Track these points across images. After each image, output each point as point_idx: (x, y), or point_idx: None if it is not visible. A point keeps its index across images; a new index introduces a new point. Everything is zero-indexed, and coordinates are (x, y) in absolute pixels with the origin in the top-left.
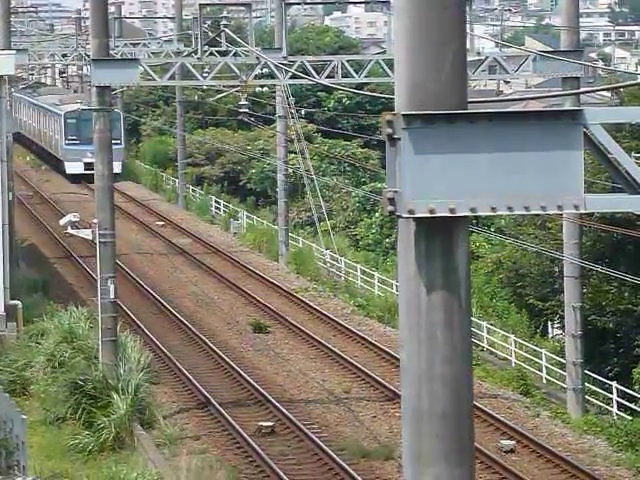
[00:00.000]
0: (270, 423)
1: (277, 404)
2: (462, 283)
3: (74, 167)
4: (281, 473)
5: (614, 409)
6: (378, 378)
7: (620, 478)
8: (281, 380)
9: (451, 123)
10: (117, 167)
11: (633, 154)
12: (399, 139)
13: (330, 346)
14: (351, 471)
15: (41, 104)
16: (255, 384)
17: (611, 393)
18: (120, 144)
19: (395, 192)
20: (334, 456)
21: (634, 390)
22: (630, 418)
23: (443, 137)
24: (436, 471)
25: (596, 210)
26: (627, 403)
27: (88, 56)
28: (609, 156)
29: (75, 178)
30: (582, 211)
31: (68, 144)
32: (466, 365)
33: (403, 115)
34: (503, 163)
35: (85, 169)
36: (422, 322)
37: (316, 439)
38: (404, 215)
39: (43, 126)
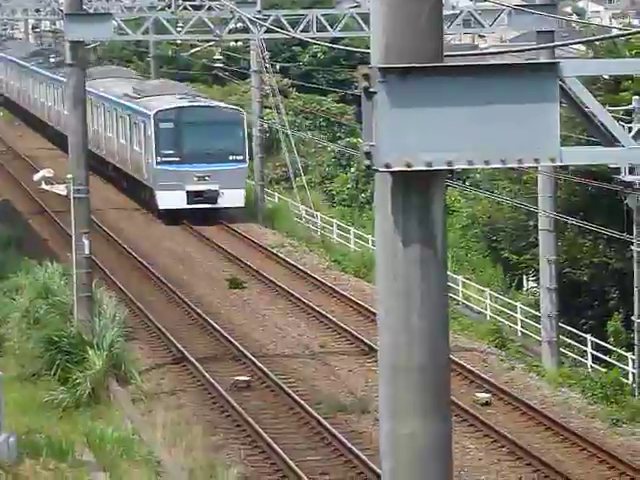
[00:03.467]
0: (246, 378)
1: (253, 359)
2: (438, 237)
3: (172, 199)
4: (257, 427)
5: (589, 361)
6: (354, 332)
7: (595, 430)
8: (257, 335)
9: (427, 76)
10: (239, 198)
11: (608, 107)
12: (375, 93)
13: (306, 301)
14: (327, 425)
15: (107, 96)
16: (231, 339)
17: (586, 346)
18: (243, 161)
19: (371, 146)
20: (310, 410)
21: (608, 342)
22: (604, 370)
23: (419, 90)
24: (413, 424)
25: (572, 163)
26: (601, 355)
27: (61, 11)
28: (585, 109)
29: (172, 215)
30: (558, 164)
31: (162, 162)
32: (442, 318)
33: (379, 68)
34: (479, 116)
35: (190, 201)
36: (399, 276)
37: (292, 393)
38: (380, 169)
39: (115, 132)
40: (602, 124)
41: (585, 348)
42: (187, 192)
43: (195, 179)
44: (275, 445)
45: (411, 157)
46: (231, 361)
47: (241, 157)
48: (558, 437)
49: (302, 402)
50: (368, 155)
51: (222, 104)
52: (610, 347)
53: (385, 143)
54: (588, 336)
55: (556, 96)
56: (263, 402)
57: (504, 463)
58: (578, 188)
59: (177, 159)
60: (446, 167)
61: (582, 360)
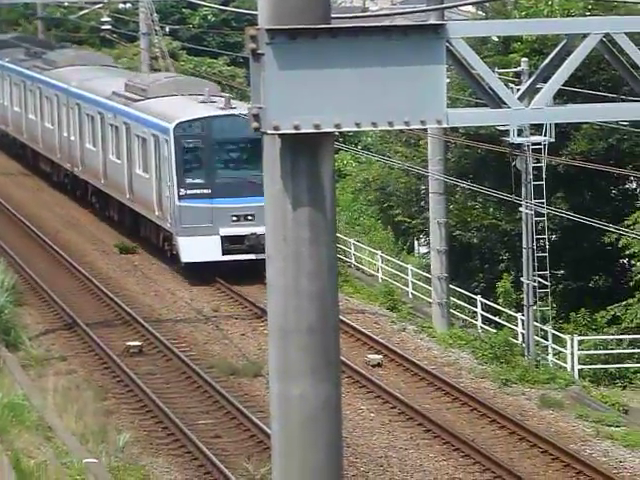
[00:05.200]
0: (138, 343)
1: (145, 324)
2: (327, 199)
3: (200, 248)
4: (149, 392)
5: (479, 322)
6: (247, 296)
7: (485, 390)
8: (149, 300)
9: (315, 38)
10: None
11: (498, 69)
12: (263, 54)
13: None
14: (220, 388)
15: (85, 94)
16: (122, 304)
17: (476, 307)
18: None
19: (260, 108)
20: (202, 374)
21: (498, 304)
22: (494, 331)
23: (307, 52)
24: (302, 385)
25: (458, 124)
26: (491, 316)
27: None
28: (472, 71)
29: (200, 270)
30: (445, 126)
31: (187, 196)
32: (332, 280)
33: (266, 30)
34: (367, 78)
35: (227, 251)
36: (288, 238)
37: (184, 358)
38: (269, 131)
39: (100, 145)
40: (489, 86)
41: (475, 309)
42: (222, 238)
43: (233, 219)
44: (167, 409)
45: (299, 119)
46: (122, 326)
47: None
48: (449, 397)
49: (194, 366)
50: (256, 117)
51: None
52: (500, 308)
53: (273, 105)
54: (478, 297)
55: (442, 58)
56: (155, 367)
57: (395, 424)
58: (468, 150)
59: (207, 191)
60: (334, 129)
61: (472, 321)
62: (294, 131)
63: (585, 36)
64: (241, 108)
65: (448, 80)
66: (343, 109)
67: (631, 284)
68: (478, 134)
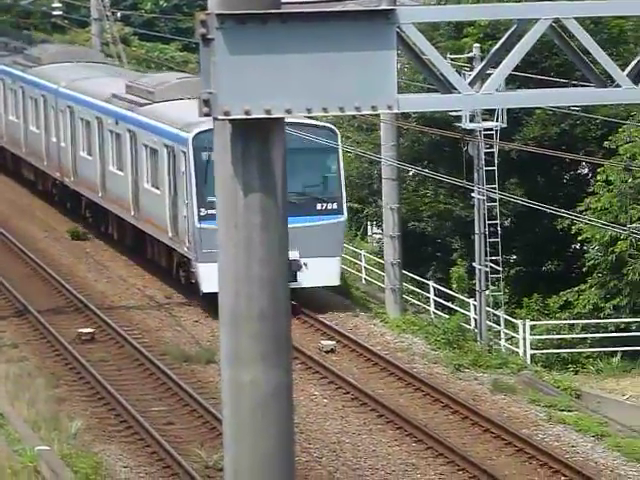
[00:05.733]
0: (90, 330)
1: (97, 311)
2: (279, 185)
3: None
4: (101, 379)
5: (431, 308)
6: None
7: (438, 375)
8: (101, 287)
9: (265, 23)
10: (332, 272)
11: (450, 54)
12: (213, 39)
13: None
14: (172, 375)
15: (78, 96)
16: (74, 291)
17: (429, 293)
18: (338, 212)
19: (210, 93)
20: (155, 361)
21: (452, 290)
22: (447, 317)
23: (257, 37)
24: (253, 371)
25: (409, 110)
26: (444, 302)
27: None
28: (423, 56)
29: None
30: (395, 111)
31: (208, 217)
32: (283, 266)
33: (216, 15)
34: (317, 64)
35: None
36: (239, 224)
37: (137, 345)
38: (219, 117)
39: (96, 153)
40: (440, 72)
41: (428, 295)
42: None
43: None
44: (119, 396)
45: (250, 105)
46: (74, 313)
47: (335, 205)
48: (402, 382)
49: (147, 353)
50: (207, 103)
51: (301, 117)
52: (453, 294)
53: (224, 90)
54: (431, 282)
55: (393, 43)
56: (107, 354)
57: (348, 409)
58: (421, 136)
59: None
60: (285, 115)
61: (426, 307)
62: (245, 116)
63: (535, 21)
64: None
65: (407, 65)
66: (294, 94)
67: (584, 269)
68: (432, 119)
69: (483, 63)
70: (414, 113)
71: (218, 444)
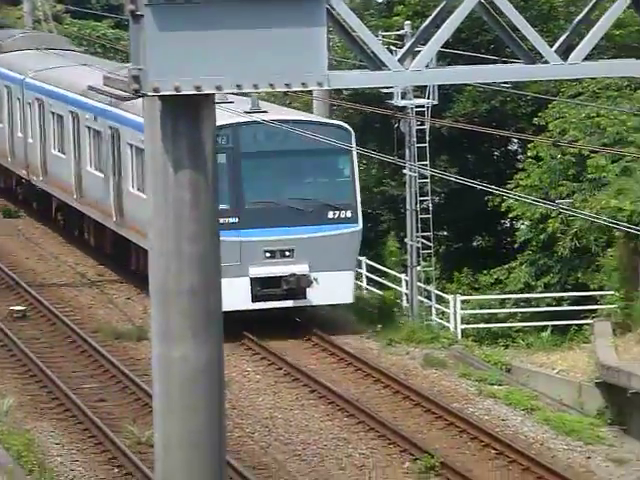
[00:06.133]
0: (21, 307)
1: (28, 288)
2: (208, 162)
3: (223, 294)
4: (33, 357)
5: (363, 283)
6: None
7: (370, 350)
8: (32, 264)
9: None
10: (345, 288)
11: (381, 32)
12: (142, 16)
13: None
14: (104, 352)
15: (48, 88)
16: (5, 269)
17: (360, 268)
18: (352, 221)
19: (140, 70)
20: (87, 338)
21: (385, 265)
22: (380, 292)
23: (187, 14)
24: (183, 348)
25: (339, 87)
26: (376, 278)
27: None
28: (353, 34)
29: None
30: (326, 88)
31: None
32: (213, 243)
33: None
34: (247, 40)
35: (258, 297)
36: (169, 201)
37: (69, 322)
38: (149, 93)
39: (71, 151)
40: (370, 50)
41: (360, 270)
42: (251, 280)
43: (266, 255)
44: (51, 373)
45: (180, 81)
46: (5, 290)
47: (349, 213)
48: (334, 358)
49: (79, 330)
50: (136, 79)
51: (310, 115)
52: (384, 269)
53: (153, 67)
54: (363, 259)
55: (323, 20)
56: (39, 331)
57: (281, 385)
58: (352, 112)
59: (234, 220)
60: (215, 91)
61: (357, 283)
62: (175, 92)
63: None
64: (274, 112)
65: (339, 43)
66: (224, 71)
67: (515, 246)
68: (364, 95)
69: (413, 39)
70: (346, 90)
71: (150, 420)
